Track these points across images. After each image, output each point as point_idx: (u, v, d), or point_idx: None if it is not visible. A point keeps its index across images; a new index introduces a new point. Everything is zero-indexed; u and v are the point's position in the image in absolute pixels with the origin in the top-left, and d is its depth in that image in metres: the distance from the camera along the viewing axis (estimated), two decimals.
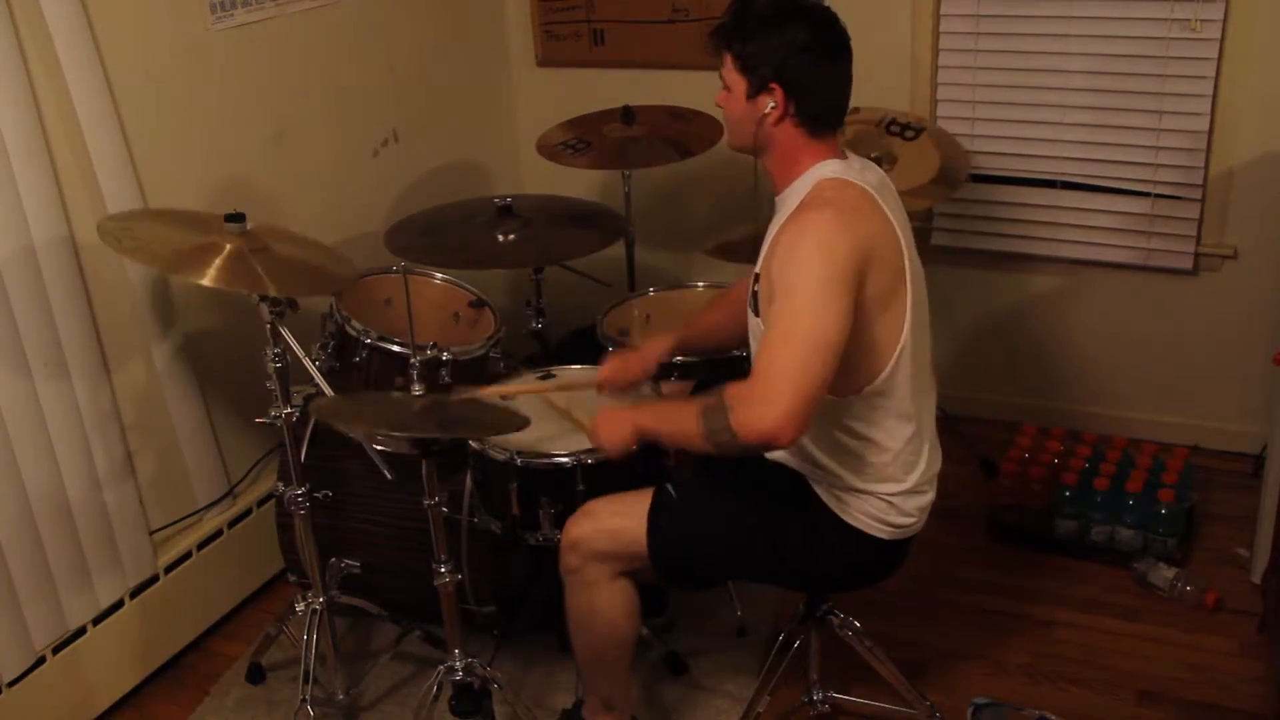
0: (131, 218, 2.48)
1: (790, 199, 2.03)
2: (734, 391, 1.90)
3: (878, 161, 3.03)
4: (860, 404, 2.03)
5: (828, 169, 2.02)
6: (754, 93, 2.00)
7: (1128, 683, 2.65)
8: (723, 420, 1.88)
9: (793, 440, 1.85)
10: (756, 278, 2.07)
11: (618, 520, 2.19)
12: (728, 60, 2.03)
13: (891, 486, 2.09)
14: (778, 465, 2.18)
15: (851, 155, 2.08)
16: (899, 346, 2.01)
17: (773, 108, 1.99)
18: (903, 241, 2.01)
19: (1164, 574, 2.90)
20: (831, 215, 1.92)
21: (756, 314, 2.07)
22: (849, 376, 1.97)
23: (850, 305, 1.89)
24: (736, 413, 1.87)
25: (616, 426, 2.09)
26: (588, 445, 2.40)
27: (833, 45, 2.00)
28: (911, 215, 2.13)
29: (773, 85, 1.98)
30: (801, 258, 1.90)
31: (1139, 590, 2.93)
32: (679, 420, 2.00)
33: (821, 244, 1.89)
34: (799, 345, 1.85)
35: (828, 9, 2.02)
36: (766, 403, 1.83)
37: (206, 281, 2.22)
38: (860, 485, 2.08)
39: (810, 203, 1.98)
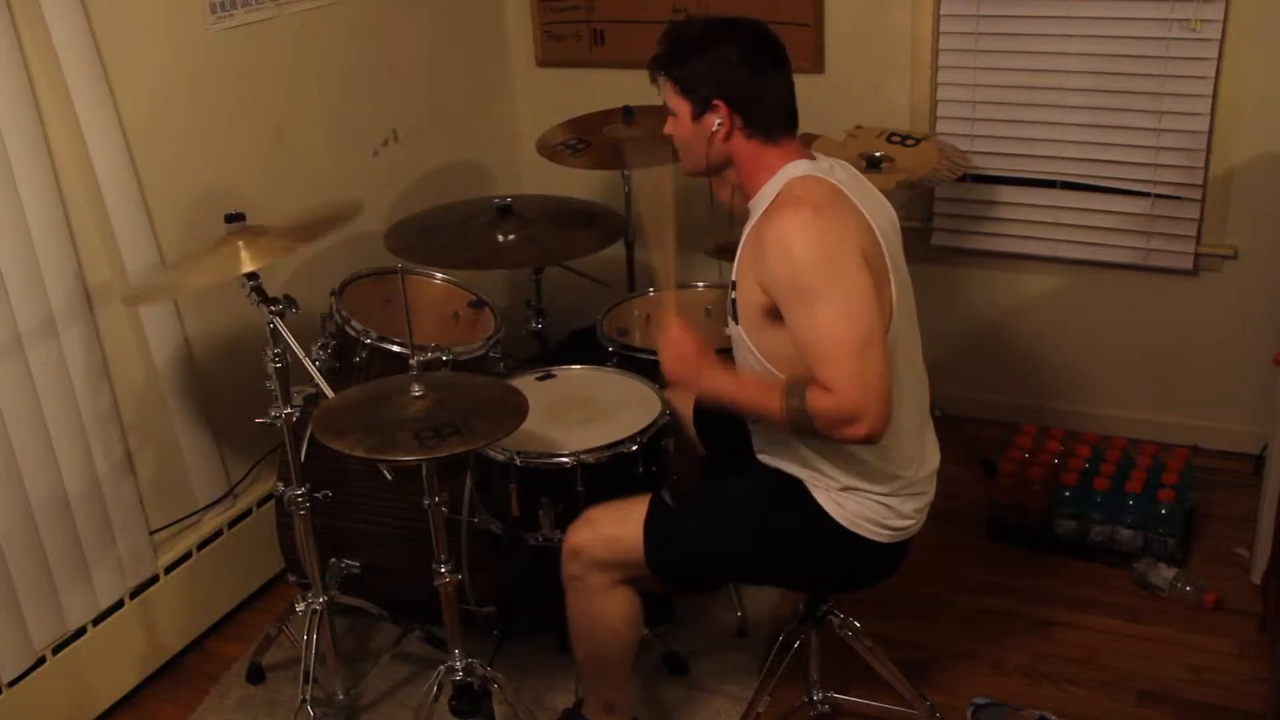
0: (149, 276, 2.56)
1: (761, 201, 2.04)
2: (816, 404, 1.89)
3: (877, 162, 3.05)
4: None
5: (796, 169, 2.03)
6: (699, 113, 2.03)
7: (1128, 683, 2.65)
8: (809, 426, 1.92)
9: (886, 429, 1.90)
10: (733, 285, 2.07)
11: (615, 528, 2.19)
12: (669, 88, 2.06)
13: (885, 485, 2.08)
14: (775, 470, 2.18)
15: (821, 156, 2.09)
16: (888, 340, 2.00)
17: (719, 124, 2.02)
18: (880, 237, 1.99)
19: (1164, 574, 2.90)
20: (809, 212, 1.93)
21: (737, 321, 2.07)
22: None
23: (869, 279, 1.90)
24: (823, 423, 1.90)
25: (690, 371, 2.09)
26: (587, 445, 2.39)
27: (767, 55, 2.03)
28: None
29: (716, 102, 2.01)
30: (801, 262, 1.90)
31: (1139, 590, 2.93)
32: (763, 409, 1.99)
33: (814, 241, 1.90)
34: (852, 354, 1.87)
35: (759, 23, 2.05)
36: (852, 418, 1.87)
37: (246, 269, 2.27)
38: (853, 484, 2.08)
39: (782, 201, 1.98)
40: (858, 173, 2.12)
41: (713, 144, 2.04)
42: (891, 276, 2.00)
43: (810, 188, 1.98)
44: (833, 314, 1.88)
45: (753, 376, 2.08)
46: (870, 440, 1.90)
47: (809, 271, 1.89)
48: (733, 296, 2.07)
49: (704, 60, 2.01)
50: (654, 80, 2.09)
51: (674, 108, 2.07)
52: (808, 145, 2.13)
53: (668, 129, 2.11)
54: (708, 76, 2.01)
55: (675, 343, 2.11)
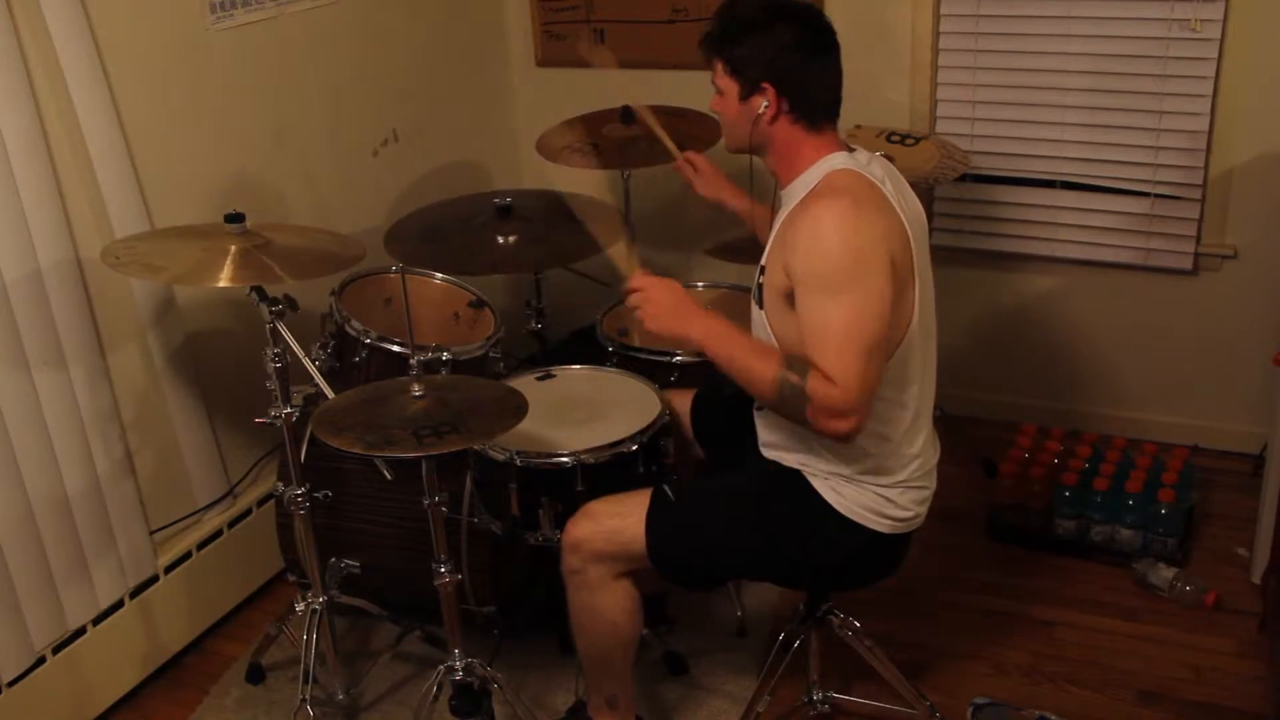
0: (135, 240, 2.48)
1: (797, 190, 2.05)
2: (816, 388, 1.89)
3: None
4: None
5: (836, 160, 2.03)
6: (746, 94, 2.04)
7: (1128, 683, 2.65)
8: (799, 406, 1.92)
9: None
10: (762, 270, 2.07)
11: (616, 521, 2.19)
12: (719, 67, 2.07)
13: (886, 479, 2.09)
14: (775, 463, 2.18)
15: (858, 149, 2.09)
16: (905, 342, 2.01)
17: (766, 107, 2.02)
18: (911, 237, 2.01)
19: (1164, 574, 2.90)
20: (848, 203, 1.93)
21: (760, 306, 2.08)
22: None
23: (890, 286, 1.91)
24: (815, 412, 1.91)
25: (676, 318, 2.07)
26: (587, 445, 2.40)
27: (819, 40, 2.03)
28: None
29: (764, 85, 2.01)
30: (830, 252, 1.91)
31: (1139, 590, 2.93)
32: (751, 368, 1.98)
33: (846, 236, 1.91)
34: (860, 352, 1.89)
35: (812, 6, 2.05)
36: (845, 414, 1.89)
37: (222, 283, 2.23)
38: (857, 476, 2.09)
39: (822, 190, 1.98)
40: (893, 168, 2.12)
41: (757, 126, 2.05)
42: (916, 279, 2.01)
43: (851, 181, 1.99)
44: (850, 310, 1.89)
45: (747, 335, 2.07)
46: (847, 439, 1.93)
47: (836, 263, 1.90)
48: (759, 281, 2.08)
49: (756, 42, 2.01)
50: (706, 60, 2.08)
51: (722, 87, 2.07)
52: (849, 137, 2.14)
53: (714, 106, 2.11)
54: (759, 58, 2.01)
55: (651, 294, 2.09)
